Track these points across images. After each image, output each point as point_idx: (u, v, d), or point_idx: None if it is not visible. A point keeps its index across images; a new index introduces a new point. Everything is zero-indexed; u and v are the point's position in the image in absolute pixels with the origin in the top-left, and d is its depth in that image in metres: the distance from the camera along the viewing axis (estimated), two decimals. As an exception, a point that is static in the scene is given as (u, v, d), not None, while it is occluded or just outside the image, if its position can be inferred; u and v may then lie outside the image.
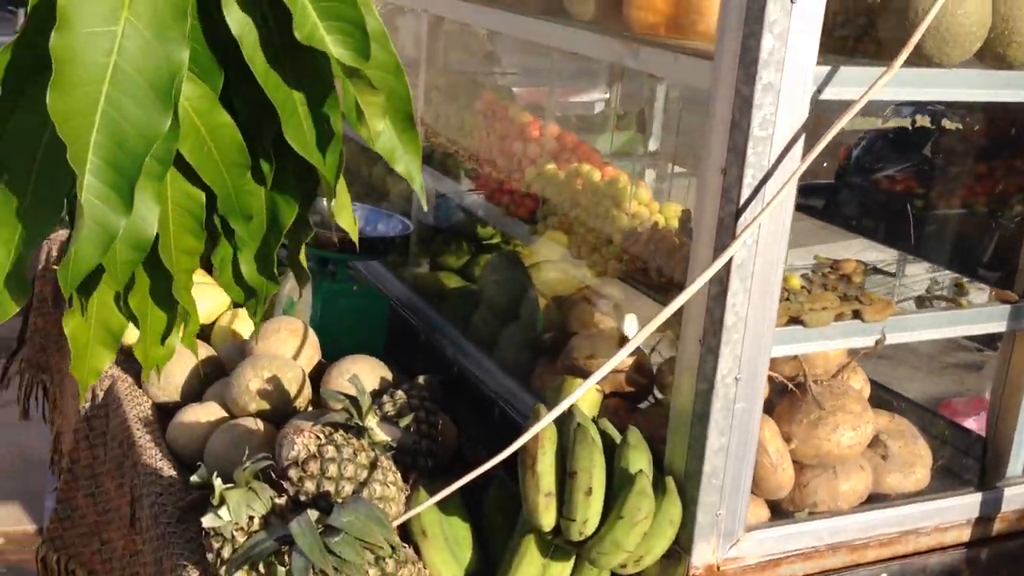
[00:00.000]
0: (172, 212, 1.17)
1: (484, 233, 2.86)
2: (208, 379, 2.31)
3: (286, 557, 1.59)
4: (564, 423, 1.66)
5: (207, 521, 1.61)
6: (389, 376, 2.23)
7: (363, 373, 2.20)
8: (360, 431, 1.86)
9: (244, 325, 2.56)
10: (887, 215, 2.90)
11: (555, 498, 1.58)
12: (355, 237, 1.30)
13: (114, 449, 2.24)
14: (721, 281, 1.53)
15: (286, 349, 2.28)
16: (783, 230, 1.53)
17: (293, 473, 1.69)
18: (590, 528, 1.57)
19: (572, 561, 1.72)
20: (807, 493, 1.79)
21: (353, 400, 1.90)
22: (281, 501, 1.67)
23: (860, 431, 1.76)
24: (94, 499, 2.33)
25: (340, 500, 1.67)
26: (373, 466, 1.73)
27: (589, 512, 1.56)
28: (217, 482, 1.63)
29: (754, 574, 1.72)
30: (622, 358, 1.49)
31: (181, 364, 2.29)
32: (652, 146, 2.74)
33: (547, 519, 1.59)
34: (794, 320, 1.64)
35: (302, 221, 1.28)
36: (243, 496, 1.62)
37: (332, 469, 1.69)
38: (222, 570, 1.61)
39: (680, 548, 1.65)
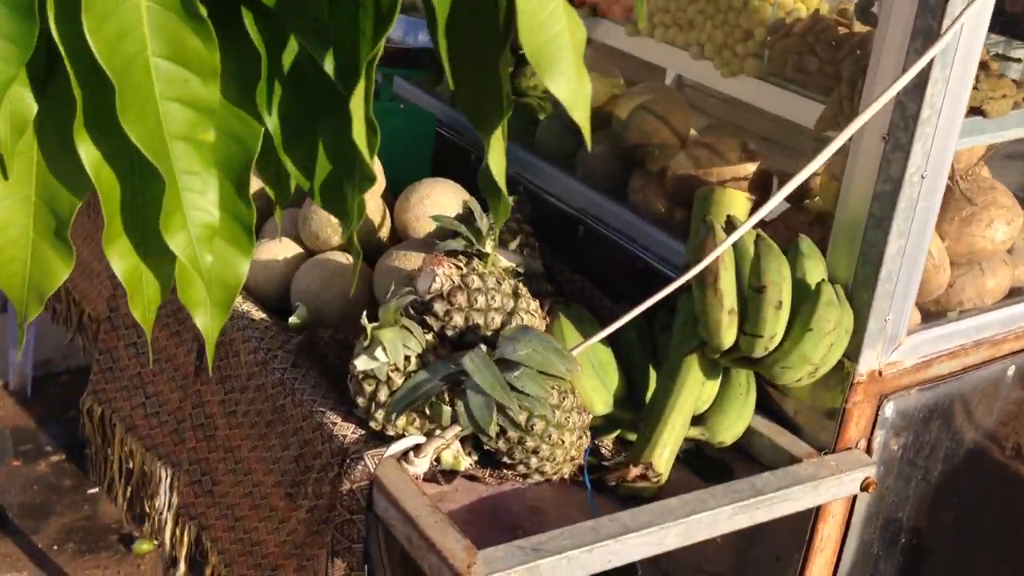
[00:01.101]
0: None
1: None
2: (262, 214, 2.10)
3: (446, 396, 1.47)
4: (701, 225, 1.54)
5: (361, 364, 1.45)
6: (469, 199, 2.06)
7: (444, 197, 2.03)
8: (482, 257, 1.71)
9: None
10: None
11: (736, 315, 1.48)
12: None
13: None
14: (921, 71, 1.39)
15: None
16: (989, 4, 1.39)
17: (439, 307, 1.54)
18: (776, 343, 1.48)
19: (720, 379, 1.65)
20: (954, 292, 1.73)
21: (470, 225, 1.74)
22: (428, 338, 1.53)
23: (1013, 225, 1.69)
24: (136, 349, 2.13)
25: (488, 333, 1.54)
26: (516, 295, 1.59)
27: (778, 327, 1.47)
28: (364, 321, 1.47)
29: (908, 376, 1.68)
30: (820, 164, 1.35)
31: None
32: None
33: (728, 336, 1.49)
34: (974, 111, 1.53)
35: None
36: (397, 335, 1.47)
37: (480, 300, 1.55)
38: (378, 414, 1.48)
39: (846, 356, 1.59)
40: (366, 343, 1.47)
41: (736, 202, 1.63)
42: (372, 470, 1.45)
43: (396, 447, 1.47)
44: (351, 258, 1.87)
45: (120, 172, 0.76)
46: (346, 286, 1.83)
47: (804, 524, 1.69)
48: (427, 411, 1.46)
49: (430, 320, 1.54)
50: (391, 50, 2.25)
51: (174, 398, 2.05)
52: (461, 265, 1.58)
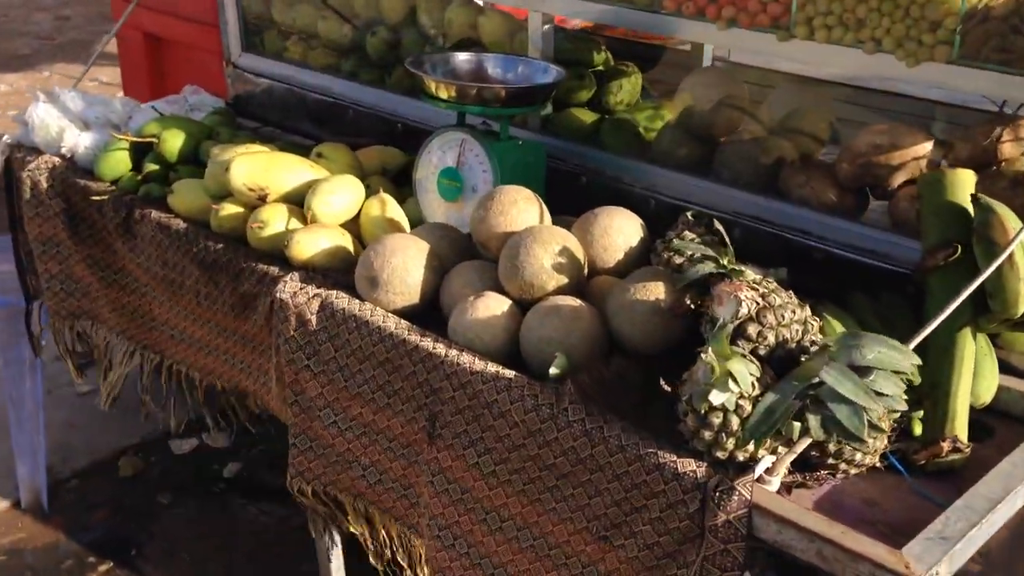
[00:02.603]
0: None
1: (598, 59, 2.67)
2: (438, 273, 2.07)
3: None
4: (976, 206, 1.65)
5: (717, 398, 1.48)
6: (641, 222, 2.10)
7: (627, 223, 2.06)
8: (736, 275, 1.76)
9: (395, 210, 2.30)
10: None
11: (1028, 284, 1.59)
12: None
13: (367, 370, 1.99)
14: None
15: (531, 218, 2.07)
16: None
17: (752, 329, 1.58)
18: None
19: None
20: None
21: (715, 246, 1.79)
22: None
23: None
24: (339, 427, 2.08)
25: (793, 345, 1.60)
26: (800, 305, 1.65)
27: (1070, 289, 1.58)
28: (711, 359, 1.50)
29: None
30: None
31: (411, 263, 2.03)
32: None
33: (1022, 303, 1.60)
34: None
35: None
36: (744, 364, 1.51)
37: (787, 316, 1.60)
38: (728, 443, 1.51)
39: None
40: (713, 377, 1.50)
41: (967, 181, 1.74)
42: (749, 498, 1.48)
43: (759, 470, 1.51)
44: (576, 301, 1.87)
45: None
46: (586, 329, 1.83)
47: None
48: (783, 432, 1.50)
49: (741, 344, 1.58)
50: (509, 91, 2.25)
51: (396, 467, 2.01)
52: (755, 286, 1.62)
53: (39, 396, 3.36)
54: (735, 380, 1.49)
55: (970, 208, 1.72)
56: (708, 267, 1.78)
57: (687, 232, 1.98)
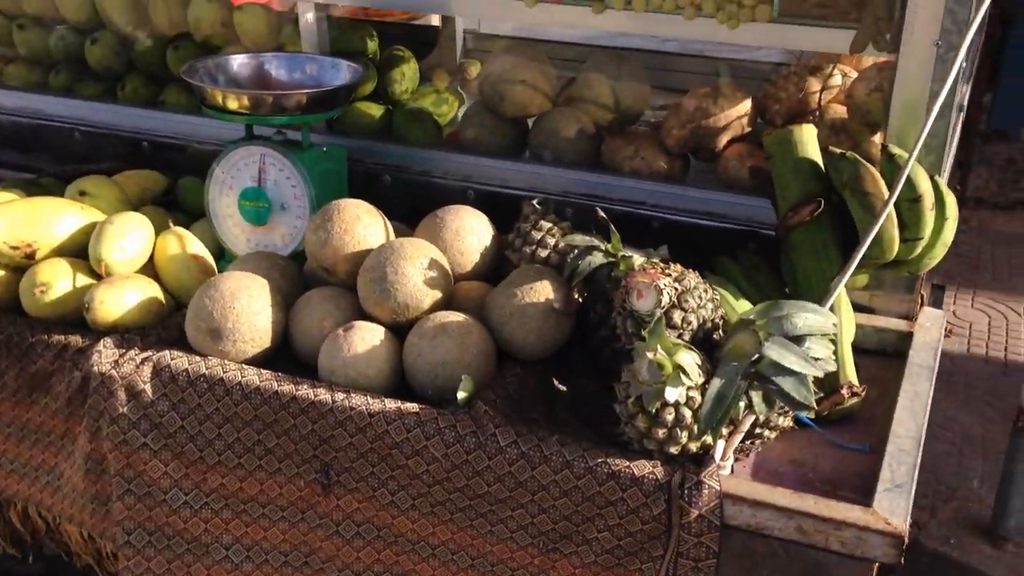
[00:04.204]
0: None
1: (371, 47, 2.48)
2: (284, 310, 1.84)
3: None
4: (840, 163, 1.73)
5: (672, 395, 1.44)
6: (486, 218, 1.99)
7: (477, 222, 1.95)
8: (622, 260, 1.72)
9: (195, 244, 2.03)
10: None
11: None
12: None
13: (229, 434, 1.74)
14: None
15: (378, 233, 1.89)
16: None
17: (678, 316, 1.55)
18: (927, 241, 1.72)
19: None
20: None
21: (601, 237, 1.73)
22: (682, 348, 1.53)
23: None
24: (192, 507, 1.80)
25: (710, 324, 1.59)
26: (705, 282, 1.64)
27: (931, 226, 1.70)
28: (659, 355, 1.44)
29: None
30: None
31: (256, 305, 1.79)
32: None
33: (895, 248, 1.69)
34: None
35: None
36: (691, 356, 1.46)
37: (702, 296, 1.58)
38: (682, 437, 1.47)
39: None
40: (663, 374, 1.44)
41: (811, 135, 1.81)
42: (719, 488, 1.46)
43: (718, 458, 1.49)
44: (459, 315, 1.74)
45: None
46: (479, 344, 1.71)
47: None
48: (734, 414, 1.49)
49: (668, 333, 1.54)
50: (312, 96, 2.03)
51: (274, 532, 1.80)
52: (668, 272, 1.58)
53: None
54: (685, 373, 1.45)
55: (819, 162, 1.80)
56: (598, 258, 1.72)
57: (543, 222, 1.90)
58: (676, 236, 2.06)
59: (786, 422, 1.65)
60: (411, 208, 2.04)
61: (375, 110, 2.41)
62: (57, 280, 1.88)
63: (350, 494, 1.70)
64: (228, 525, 1.80)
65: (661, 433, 1.48)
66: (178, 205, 2.37)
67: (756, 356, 1.46)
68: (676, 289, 1.56)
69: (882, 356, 1.90)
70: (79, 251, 1.98)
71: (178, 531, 1.81)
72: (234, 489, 1.77)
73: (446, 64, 3.01)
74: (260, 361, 1.79)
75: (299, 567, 1.79)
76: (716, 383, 1.46)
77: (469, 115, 2.34)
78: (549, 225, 1.89)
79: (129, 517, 1.81)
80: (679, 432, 1.48)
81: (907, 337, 1.91)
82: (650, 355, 1.45)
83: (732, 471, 1.58)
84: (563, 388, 1.79)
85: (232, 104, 2.02)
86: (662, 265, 1.63)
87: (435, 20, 3.33)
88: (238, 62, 2.20)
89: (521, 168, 2.23)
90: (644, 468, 1.50)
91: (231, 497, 1.78)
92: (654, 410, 1.46)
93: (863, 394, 1.72)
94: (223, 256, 2.15)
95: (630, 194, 2.11)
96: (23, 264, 1.94)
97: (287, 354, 1.85)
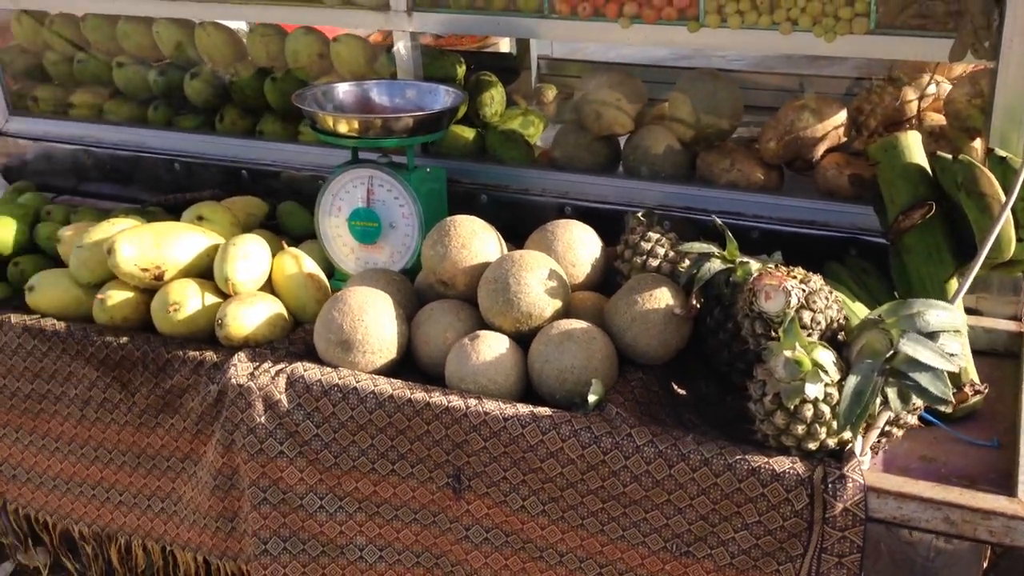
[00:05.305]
0: None
1: (460, 72, 2.56)
2: (405, 322, 1.90)
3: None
4: (952, 166, 1.77)
5: (813, 391, 1.48)
6: (591, 229, 2.05)
7: (587, 235, 2.01)
8: (739, 266, 1.77)
9: (310, 264, 2.10)
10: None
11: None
12: None
13: (363, 441, 1.79)
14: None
15: (493, 247, 1.95)
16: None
17: (807, 317, 1.59)
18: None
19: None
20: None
21: (718, 243, 1.78)
22: (811, 347, 1.57)
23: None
24: (327, 511, 1.85)
25: (836, 325, 1.63)
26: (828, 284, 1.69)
27: (1045, 223, 1.74)
28: (797, 353, 1.48)
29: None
30: None
31: (383, 318, 1.85)
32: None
33: (1012, 247, 1.73)
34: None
35: None
36: (828, 355, 1.51)
37: (828, 297, 1.62)
38: (821, 432, 1.51)
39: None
40: (802, 371, 1.49)
41: (916, 142, 1.86)
42: (863, 482, 1.49)
43: (857, 451, 1.53)
44: (582, 323, 1.79)
45: None
46: (604, 349, 1.76)
47: None
48: (873, 409, 1.52)
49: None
50: (418, 119, 2.11)
51: (407, 534, 1.86)
52: (794, 275, 1.63)
53: None
54: (823, 370, 1.49)
55: (926, 166, 1.85)
56: (716, 264, 1.77)
57: (650, 233, 1.96)
58: (776, 245, 2.10)
59: (912, 419, 1.68)
60: (505, 225, 2.10)
61: (468, 132, 2.49)
62: (188, 299, 1.95)
63: (480, 499, 1.75)
64: (362, 527, 1.85)
65: (800, 429, 1.52)
66: (279, 228, 2.44)
67: (891, 353, 1.50)
68: (803, 290, 1.60)
69: (993, 356, 1.93)
70: (202, 272, 2.06)
71: (313, 534, 1.87)
72: (368, 492, 1.83)
73: (521, 88, 3.09)
74: (386, 371, 1.85)
75: (429, 568, 1.83)
76: (853, 379, 1.50)
77: (563, 134, 2.40)
78: (657, 236, 1.95)
79: (264, 526, 1.87)
80: (818, 428, 1.52)
81: (1017, 337, 1.94)
82: (787, 353, 1.50)
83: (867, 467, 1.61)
84: (682, 391, 1.83)
85: (342, 128, 2.10)
86: (785, 268, 1.67)
87: (505, 46, 3.42)
88: (343, 89, 2.28)
89: (618, 183, 2.29)
90: (784, 464, 1.54)
91: (365, 500, 1.83)
92: (792, 407, 1.50)
93: (986, 392, 1.75)
94: (332, 274, 2.22)
95: (727, 205, 2.17)
96: (152, 285, 2.01)
97: (408, 364, 1.91)
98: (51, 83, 2.90)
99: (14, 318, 2.06)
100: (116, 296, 2.01)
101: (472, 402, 1.72)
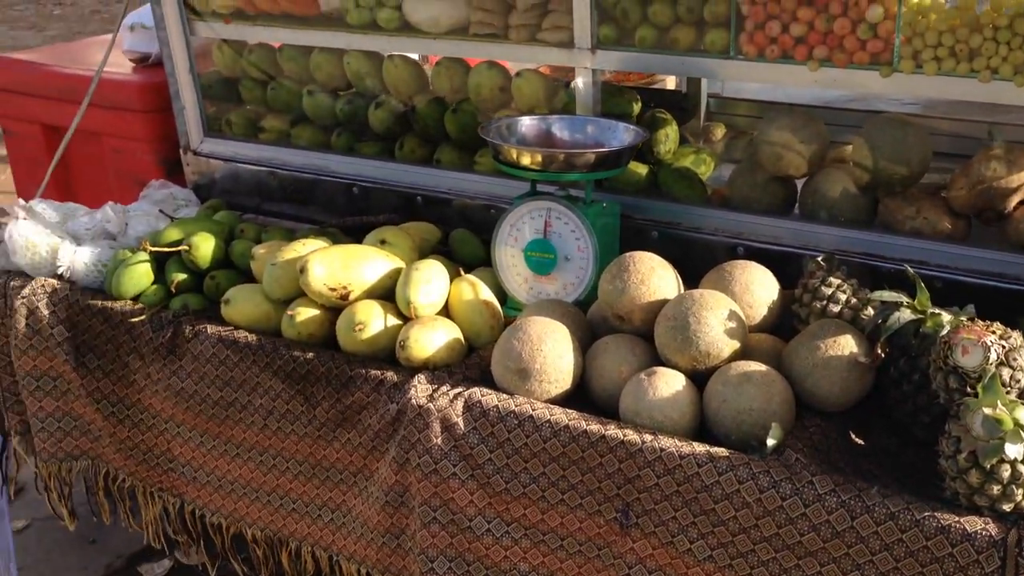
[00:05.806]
0: None
1: (636, 109, 2.60)
2: (580, 354, 1.93)
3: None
4: None
5: (1013, 452, 1.44)
6: (768, 270, 2.03)
7: (765, 277, 2.00)
8: (930, 317, 1.73)
9: (486, 292, 2.15)
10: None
11: None
12: None
13: (535, 468, 1.82)
14: None
15: (670, 284, 1.96)
16: None
17: (1006, 374, 1.54)
18: None
19: None
20: None
21: (905, 292, 1.75)
22: (1008, 405, 1.52)
23: None
24: (494, 535, 1.89)
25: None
26: None
27: None
28: (999, 411, 1.44)
29: None
30: None
31: (561, 348, 1.88)
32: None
33: None
34: None
35: None
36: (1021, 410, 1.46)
37: (1029, 353, 1.57)
38: (1017, 493, 1.46)
39: None
40: (1002, 430, 1.44)
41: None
42: (1065, 547, 1.43)
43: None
44: (760, 365, 1.78)
45: None
46: (783, 393, 1.75)
47: None
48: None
49: (994, 389, 1.54)
50: (600, 155, 2.15)
51: (569, 565, 1.87)
52: (993, 330, 1.58)
53: (10, 545, 2.94)
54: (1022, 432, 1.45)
55: None
56: (906, 314, 1.73)
57: (831, 278, 1.93)
58: (961, 296, 2.04)
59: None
60: (676, 262, 2.11)
61: (641, 169, 2.51)
62: (372, 319, 2.04)
63: (646, 538, 1.75)
64: (527, 553, 1.88)
65: (996, 489, 1.47)
66: (451, 255, 2.52)
67: (1096, 415, 1.44)
68: (1003, 347, 1.55)
69: None
70: (384, 294, 2.14)
71: (479, 557, 1.91)
72: (535, 520, 1.86)
73: (691, 126, 3.10)
74: (560, 401, 1.89)
75: None
76: (1053, 440, 1.45)
77: (738, 173, 2.40)
78: (838, 281, 1.92)
79: (433, 545, 1.92)
80: (1015, 489, 1.46)
81: None
82: (987, 411, 1.46)
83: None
84: (861, 441, 1.80)
85: (525, 160, 2.16)
86: (983, 323, 1.62)
87: (671, 83, 3.44)
88: (526, 123, 2.34)
89: (793, 226, 2.26)
90: (976, 524, 1.49)
91: (532, 527, 1.87)
92: (989, 466, 1.46)
93: None
94: (505, 302, 2.28)
95: (910, 253, 2.11)
96: (337, 304, 2.11)
97: (579, 395, 1.94)
98: (244, 108, 3.08)
99: (211, 328, 2.19)
100: (304, 313, 2.11)
101: (648, 437, 1.73)
